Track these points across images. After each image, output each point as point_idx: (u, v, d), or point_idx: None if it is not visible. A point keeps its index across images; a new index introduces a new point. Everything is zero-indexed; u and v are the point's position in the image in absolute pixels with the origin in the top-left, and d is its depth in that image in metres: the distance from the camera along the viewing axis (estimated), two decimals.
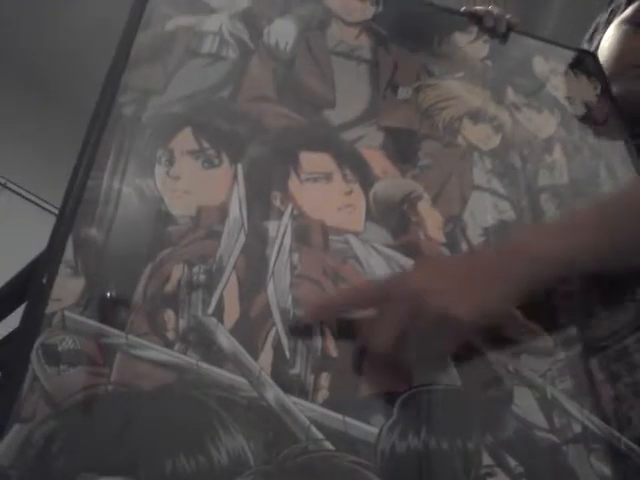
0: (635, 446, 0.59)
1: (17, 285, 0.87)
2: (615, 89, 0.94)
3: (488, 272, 0.56)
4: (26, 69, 3.17)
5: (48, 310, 0.51)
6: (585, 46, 1.07)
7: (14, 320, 0.79)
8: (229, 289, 0.57)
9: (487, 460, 0.54)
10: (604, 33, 1.01)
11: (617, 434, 0.59)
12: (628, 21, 0.96)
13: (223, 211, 0.62)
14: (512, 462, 0.55)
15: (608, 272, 0.63)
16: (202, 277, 0.57)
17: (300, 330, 0.56)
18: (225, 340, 0.54)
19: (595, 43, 1.04)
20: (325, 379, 0.54)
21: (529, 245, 0.58)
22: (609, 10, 1.04)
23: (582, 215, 0.62)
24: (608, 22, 1.02)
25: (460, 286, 0.55)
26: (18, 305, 0.85)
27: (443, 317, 0.52)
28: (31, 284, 0.52)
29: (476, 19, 0.96)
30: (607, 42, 0.99)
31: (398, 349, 0.53)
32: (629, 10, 0.97)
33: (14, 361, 0.48)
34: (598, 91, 0.93)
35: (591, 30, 1.10)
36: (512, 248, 0.59)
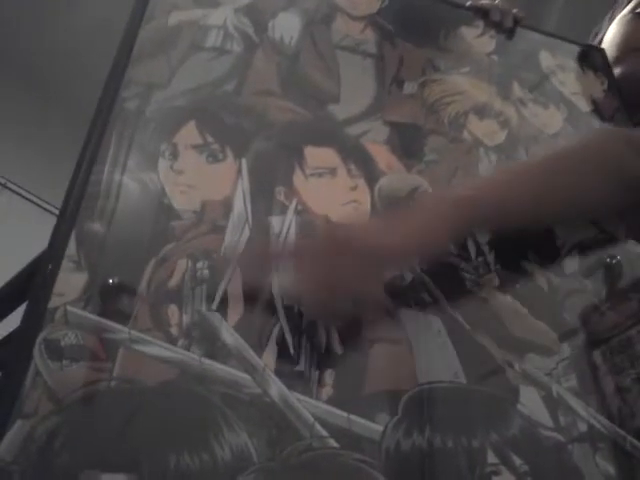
0: None
1: (17, 285, 0.86)
2: (618, 71, 0.96)
3: (411, 214, 0.57)
4: (26, 69, 3.16)
5: (51, 305, 0.50)
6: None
7: (15, 320, 0.79)
8: (233, 284, 0.56)
9: (492, 458, 0.54)
10: (608, 29, 1.03)
11: (623, 433, 0.59)
12: (630, 12, 1.00)
13: (227, 206, 0.61)
14: (517, 460, 0.54)
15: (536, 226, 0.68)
16: (206, 272, 0.56)
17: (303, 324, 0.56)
18: (229, 336, 0.53)
19: (600, 37, 1.05)
20: (329, 376, 0.54)
21: (451, 193, 0.61)
22: (613, 8, 1.06)
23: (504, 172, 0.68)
24: (611, 19, 1.05)
25: (384, 225, 0.56)
26: (19, 305, 0.84)
27: (369, 250, 0.53)
28: (34, 279, 0.52)
29: (482, 13, 0.95)
30: (611, 32, 1.02)
31: (330, 294, 0.52)
32: (632, 3, 1.01)
33: (16, 356, 0.48)
34: (605, 86, 0.93)
35: (596, 29, 1.11)
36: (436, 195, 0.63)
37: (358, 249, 0.52)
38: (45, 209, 3.16)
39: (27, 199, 3.19)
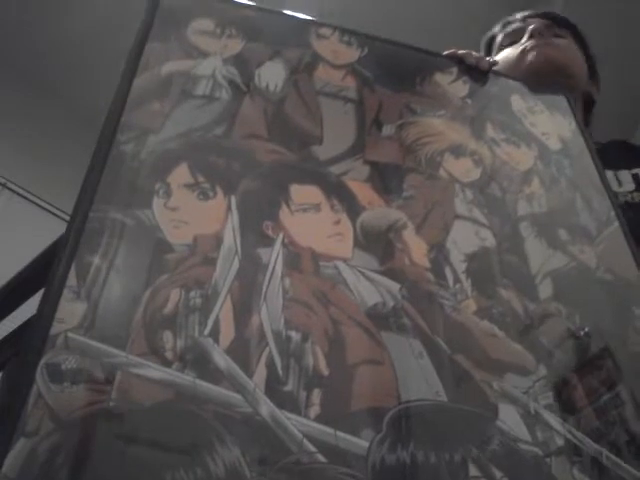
0: (616, 459, 0.61)
1: (17, 285, 0.88)
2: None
3: None
4: (26, 69, 3.20)
5: (52, 331, 0.53)
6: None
7: (14, 320, 0.81)
8: (224, 312, 0.60)
9: (474, 472, 0.56)
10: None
11: (598, 447, 0.61)
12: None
13: (218, 239, 0.65)
14: (498, 473, 0.57)
15: None
16: (198, 301, 0.60)
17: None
18: (221, 359, 0.56)
19: None
20: (317, 396, 0.57)
21: None
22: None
23: None
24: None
25: None
26: (21, 303, 0.86)
27: None
28: (38, 307, 0.55)
29: (457, 59, 1.01)
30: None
31: None
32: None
33: (20, 379, 0.51)
34: (572, 127, 0.98)
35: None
36: None
37: None
38: (45, 209, 3.14)
39: (27, 199, 3.17)
